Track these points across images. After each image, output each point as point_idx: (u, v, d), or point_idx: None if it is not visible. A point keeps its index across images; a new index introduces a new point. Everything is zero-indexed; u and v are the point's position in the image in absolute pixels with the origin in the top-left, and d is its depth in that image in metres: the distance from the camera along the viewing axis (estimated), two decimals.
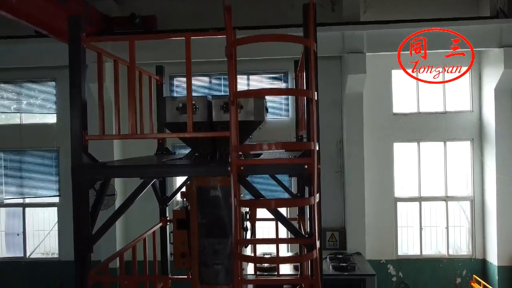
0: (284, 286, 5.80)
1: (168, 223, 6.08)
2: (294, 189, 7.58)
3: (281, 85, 11.34)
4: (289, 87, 11.19)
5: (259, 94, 3.84)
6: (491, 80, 10.52)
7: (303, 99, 3.98)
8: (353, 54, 10.14)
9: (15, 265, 11.79)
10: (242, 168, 3.49)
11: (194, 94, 4.64)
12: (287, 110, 11.28)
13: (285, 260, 5.21)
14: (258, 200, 3.43)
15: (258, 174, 3.49)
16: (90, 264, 3.77)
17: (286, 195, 5.95)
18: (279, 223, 5.87)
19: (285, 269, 8.02)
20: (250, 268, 6.54)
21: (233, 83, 3.09)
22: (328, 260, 9.39)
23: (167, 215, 6.16)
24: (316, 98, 3.24)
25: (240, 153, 3.84)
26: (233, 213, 3.31)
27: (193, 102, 4.21)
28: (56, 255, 11.85)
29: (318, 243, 3.21)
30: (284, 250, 10.50)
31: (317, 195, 3.14)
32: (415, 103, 11.30)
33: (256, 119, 4.31)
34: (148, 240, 5.58)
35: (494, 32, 9.98)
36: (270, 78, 11.32)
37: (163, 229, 6.09)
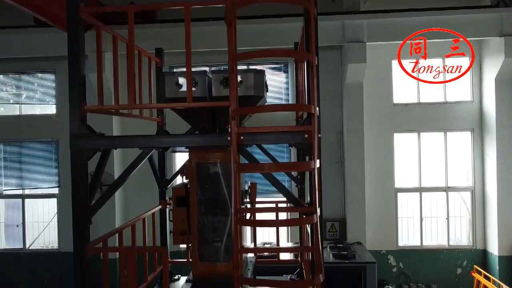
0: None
1: (168, 205, 6.05)
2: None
3: (281, 75, 11.31)
4: (289, 77, 11.18)
5: (260, 56, 3.79)
6: (491, 70, 10.50)
7: (303, 74, 3.94)
8: (353, 44, 10.12)
9: (14, 257, 11.76)
10: (242, 138, 3.46)
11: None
12: (287, 94, 11.23)
13: (284, 223, 5.22)
14: (257, 164, 3.40)
15: (257, 143, 3.44)
16: (89, 237, 3.74)
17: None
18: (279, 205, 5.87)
19: (285, 256, 7.98)
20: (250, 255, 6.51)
21: (232, 47, 3.06)
22: (328, 249, 9.37)
23: (167, 198, 6.12)
24: (316, 63, 3.21)
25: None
26: (232, 180, 3.28)
27: (193, 77, 4.18)
28: (55, 247, 11.81)
29: (318, 210, 3.19)
30: (284, 240, 10.48)
31: (317, 161, 3.12)
32: (416, 94, 11.27)
33: (255, 94, 4.28)
34: (147, 222, 5.54)
35: (495, 21, 9.96)
36: (270, 68, 11.29)
37: (162, 212, 6.07)
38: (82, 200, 3.68)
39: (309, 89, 3.21)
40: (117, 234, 4.33)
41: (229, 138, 3.43)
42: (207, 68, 11.40)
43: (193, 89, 4.19)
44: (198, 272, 4.59)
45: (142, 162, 3.84)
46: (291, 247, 6.46)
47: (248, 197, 4.81)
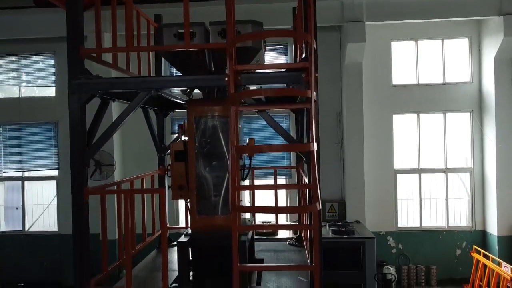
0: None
1: (166, 171, 6.05)
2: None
3: (280, 57, 11.31)
4: (288, 59, 11.17)
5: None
6: (490, 50, 10.50)
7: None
8: (353, 23, 10.13)
9: (14, 239, 11.76)
10: (239, 78, 3.46)
11: None
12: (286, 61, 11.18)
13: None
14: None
15: (255, 84, 3.44)
16: (87, 180, 3.75)
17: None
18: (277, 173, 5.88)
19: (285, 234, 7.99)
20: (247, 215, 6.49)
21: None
22: (327, 226, 9.37)
23: (166, 164, 6.13)
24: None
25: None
26: (231, 119, 3.28)
27: (191, 29, 4.19)
28: (55, 229, 11.81)
29: (315, 144, 3.18)
30: (283, 220, 10.47)
31: (314, 93, 3.11)
32: (415, 75, 11.27)
33: (253, 46, 4.28)
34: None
35: (494, 0, 9.96)
36: (269, 50, 11.28)
37: (161, 178, 6.07)
38: (79, 145, 3.68)
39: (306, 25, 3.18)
40: (115, 186, 4.34)
41: (226, 79, 3.43)
42: None
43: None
44: (197, 226, 4.59)
45: (140, 105, 3.83)
46: (289, 207, 6.44)
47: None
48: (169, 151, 6.22)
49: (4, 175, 11.72)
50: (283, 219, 10.50)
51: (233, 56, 3.31)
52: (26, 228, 11.89)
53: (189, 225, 5.11)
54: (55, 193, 11.83)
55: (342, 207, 10.96)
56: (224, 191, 4.56)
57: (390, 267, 10.20)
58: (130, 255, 4.00)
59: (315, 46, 3.15)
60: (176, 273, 4.80)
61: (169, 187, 4.89)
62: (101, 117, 4.05)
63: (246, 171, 4.99)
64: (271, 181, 9.87)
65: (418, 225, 11.28)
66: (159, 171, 6.02)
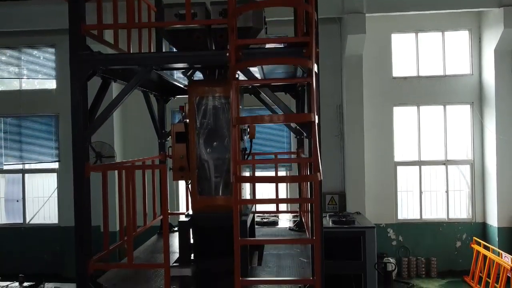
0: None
1: (167, 157, 6.06)
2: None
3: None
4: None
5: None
6: (491, 42, 10.51)
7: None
8: (353, 15, 10.14)
9: (14, 232, 11.77)
10: (240, 53, 3.47)
11: None
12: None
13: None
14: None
15: (256, 58, 3.44)
16: (88, 157, 3.76)
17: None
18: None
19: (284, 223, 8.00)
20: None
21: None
22: (328, 217, 9.36)
23: (166, 150, 6.13)
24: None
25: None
26: (232, 93, 3.29)
27: (192, 10, 4.19)
28: (55, 221, 11.82)
29: (315, 117, 3.18)
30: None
31: (315, 65, 3.12)
32: (415, 67, 11.28)
33: (254, 26, 4.28)
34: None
35: None
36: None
37: (162, 163, 6.07)
38: (80, 122, 3.69)
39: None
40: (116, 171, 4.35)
41: (227, 54, 3.44)
42: None
43: None
44: (197, 206, 4.60)
45: (141, 81, 3.83)
46: (290, 176, 6.45)
47: (246, 133, 4.82)
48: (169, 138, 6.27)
49: (5, 167, 11.73)
50: (283, 208, 10.53)
51: (234, 29, 3.32)
52: (27, 220, 11.91)
53: (189, 209, 5.13)
54: (55, 185, 11.84)
55: (342, 199, 10.97)
56: (225, 172, 4.57)
57: (390, 259, 10.20)
58: (131, 232, 4.02)
59: (316, 19, 3.16)
60: (176, 256, 4.81)
61: (170, 168, 4.90)
62: (102, 97, 4.05)
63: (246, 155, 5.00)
64: (271, 174, 9.93)
65: (418, 217, 11.30)
66: (159, 157, 6.03)
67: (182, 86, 5.42)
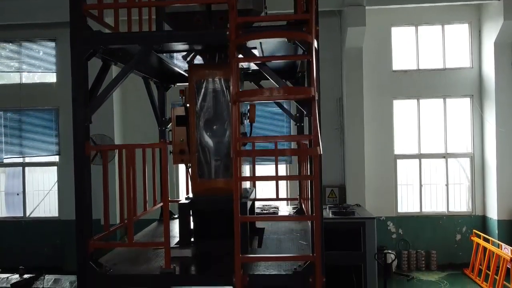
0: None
1: (168, 144, 6.05)
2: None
3: None
4: None
5: None
6: (490, 34, 10.52)
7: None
8: (353, 7, 10.16)
9: (15, 225, 11.79)
10: (240, 32, 3.48)
11: None
12: None
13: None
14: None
15: (255, 38, 3.45)
16: (89, 135, 3.77)
17: None
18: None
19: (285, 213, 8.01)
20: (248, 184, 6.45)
21: None
22: (328, 209, 9.37)
23: (166, 138, 6.13)
24: None
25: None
26: (232, 69, 3.30)
27: None
28: (55, 215, 11.83)
29: (317, 97, 3.20)
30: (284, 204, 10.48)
31: (315, 42, 3.13)
32: (415, 60, 11.29)
33: (254, 8, 4.30)
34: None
35: None
36: None
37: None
38: (81, 101, 3.70)
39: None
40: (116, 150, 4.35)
41: (227, 33, 3.45)
42: None
43: None
44: (197, 190, 4.61)
45: (141, 59, 3.84)
46: (290, 149, 6.45)
47: (247, 117, 4.83)
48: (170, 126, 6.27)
49: (5, 161, 11.75)
50: (284, 206, 10.54)
51: (234, 6, 3.33)
52: (27, 214, 11.93)
53: (189, 193, 5.14)
54: (55, 179, 11.86)
55: (342, 192, 10.99)
56: (225, 155, 4.58)
57: (391, 252, 10.22)
58: (131, 212, 4.02)
59: None
60: (176, 240, 4.81)
61: (170, 152, 4.90)
62: (102, 79, 4.05)
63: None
64: (271, 168, 9.92)
65: (418, 210, 11.32)
66: (159, 145, 6.02)
67: (182, 72, 5.43)
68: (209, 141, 4.59)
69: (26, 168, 12.02)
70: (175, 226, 5.51)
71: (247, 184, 5.46)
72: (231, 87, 3.50)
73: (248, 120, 4.87)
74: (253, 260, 3.91)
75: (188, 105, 4.69)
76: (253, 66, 5.75)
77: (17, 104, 11.59)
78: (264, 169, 10.74)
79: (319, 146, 3.05)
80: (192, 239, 4.57)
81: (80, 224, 3.69)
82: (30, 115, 11.86)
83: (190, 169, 4.74)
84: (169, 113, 4.97)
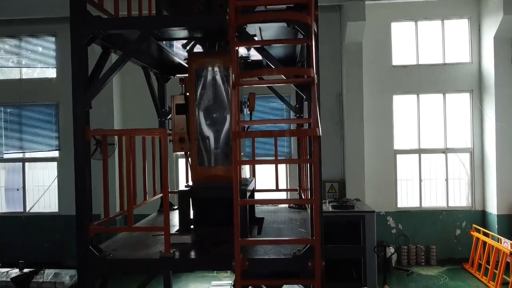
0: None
1: (168, 135, 6.06)
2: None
3: None
4: None
5: None
6: (490, 29, 10.52)
7: None
8: (353, 2, 10.17)
9: (15, 220, 11.79)
10: (240, 15, 3.48)
11: None
12: None
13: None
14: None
15: (256, 13, 3.45)
16: (88, 121, 3.78)
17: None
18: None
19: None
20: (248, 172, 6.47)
21: None
22: (327, 203, 9.38)
23: (166, 126, 6.13)
24: None
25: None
26: (231, 52, 3.31)
27: None
28: (55, 210, 11.84)
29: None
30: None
31: (314, 24, 3.13)
32: (415, 56, 11.30)
33: None
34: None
35: None
36: None
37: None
38: (80, 86, 3.71)
39: None
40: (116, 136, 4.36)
41: (227, 17, 3.46)
42: None
43: None
44: (197, 178, 4.61)
45: (141, 44, 3.85)
46: (289, 130, 6.46)
47: (246, 106, 4.84)
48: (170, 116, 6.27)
49: (5, 156, 11.75)
50: (284, 196, 10.56)
51: None
52: (27, 209, 11.94)
53: (189, 181, 5.15)
54: (55, 174, 11.86)
55: (342, 187, 10.99)
56: (225, 143, 4.59)
57: (390, 245, 10.22)
58: (131, 198, 4.03)
59: None
60: (176, 229, 4.82)
61: (170, 140, 4.91)
62: (101, 66, 4.06)
63: (245, 126, 5.01)
64: (271, 167, 9.92)
65: (418, 205, 11.33)
66: (158, 133, 6.03)
67: (182, 62, 5.44)
68: (208, 129, 4.60)
69: (26, 164, 12.02)
70: (174, 216, 5.52)
71: (247, 174, 5.47)
72: (231, 75, 3.51)
73: (248, 109, 4.88)
74: (252, 243, 3.91)
75: (187, 93, 4.70)
76: (252, 56, 5.78)
77: (17, 100, 11.60)
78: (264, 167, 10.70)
79: (318, 127, 3.05)
80: (192, 227, 4.59)
81: (81, 208, 3.69)
82: (30, 110, 11.87)
83: (189, 158, 4.75)
84: (169, 102, 4.96)
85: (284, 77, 3.75)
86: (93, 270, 3.71)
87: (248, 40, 3.54)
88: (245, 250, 3.76)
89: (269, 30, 3.99)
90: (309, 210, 5.09)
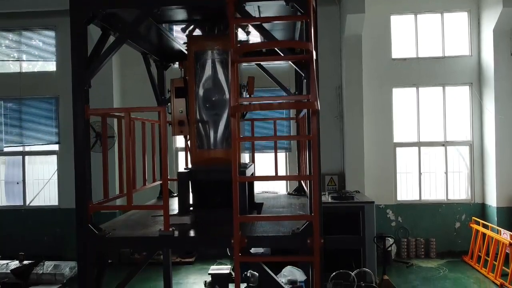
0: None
1: (168, 123, 6.08)
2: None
3: None
4: None
5: None
6: (489, 22, 10.53)
7: None
8: None
9: (15, 214, 11.79)
10: None
11: None
12: None
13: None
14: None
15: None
16: (88, 100, 3.78)
17: None
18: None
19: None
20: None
21: None
22: (327, 194, 9.39)
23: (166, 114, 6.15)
24: None
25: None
26: (230, 31, 3.32)
27: None
28: (55, 204, 11.84)
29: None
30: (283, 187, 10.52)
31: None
32: (414, 48, 11.30)
33: None
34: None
35: None
36: None
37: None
38: (80, 64, 3.72)
39: None
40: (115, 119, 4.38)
41: None
42: None
43: None
44: (196, 160, 4.63)
45: (142, 23, 3.86)
46: (288, 102, 6.45)
47: (245, 89, 4.86)
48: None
49: (5, 149, 11.74)
50: (283, 186, 10.58)
51: None
52: (27, 202, 11.94)
53: (189, 165, 5.16)
54: (55, 167, 11.87)
55: (341, 179, 11.01)
56: (224, 127, 4.60)
57: (389, 236, 10.20)
58: (130, 176, 4.04)
59: None
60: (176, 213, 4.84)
61: (169, 124, 4.92)
62: (100, 48, 4.07)
63: (245, 112, 5.03)
64: (271, 155, 9.91)
65: (417, 198, 11.33)
66: (158, 121, 6.04)
67: (181, 47, 5.45)
68: (208, 112, 4.62)
69: (26, 157, 12.03)
70: (174, 202, 5.54)
71: (246, 159, 5.49)
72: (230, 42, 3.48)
73: (247, 93, 4.89)
74: (251, 220, 3.92)
75: (187, 77, 4.72)
76: (252, 41, 5.79)
77: (17, 93, 11.60)
78: (263, 156, 10.70)
79: (317, 101, 3.06)
80: (191, 209, 4.60)
81: (80, 186, 3.70)
82: (30, 104, 11.87)
83: (189, 141, 4.77)
84: (169, 87, 4.97)
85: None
86: (92, 249, 3.72)
87: (247, 17, 3.54)
88: (244, 229, 3.77)
89: (268, 11, 4.00)
90: (308, 192, 5.12)
